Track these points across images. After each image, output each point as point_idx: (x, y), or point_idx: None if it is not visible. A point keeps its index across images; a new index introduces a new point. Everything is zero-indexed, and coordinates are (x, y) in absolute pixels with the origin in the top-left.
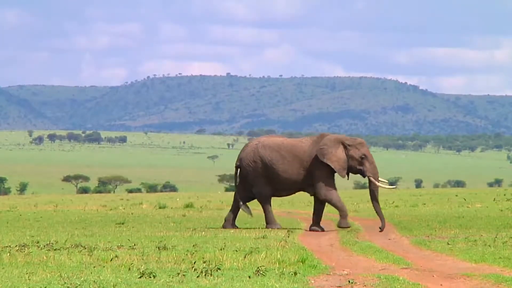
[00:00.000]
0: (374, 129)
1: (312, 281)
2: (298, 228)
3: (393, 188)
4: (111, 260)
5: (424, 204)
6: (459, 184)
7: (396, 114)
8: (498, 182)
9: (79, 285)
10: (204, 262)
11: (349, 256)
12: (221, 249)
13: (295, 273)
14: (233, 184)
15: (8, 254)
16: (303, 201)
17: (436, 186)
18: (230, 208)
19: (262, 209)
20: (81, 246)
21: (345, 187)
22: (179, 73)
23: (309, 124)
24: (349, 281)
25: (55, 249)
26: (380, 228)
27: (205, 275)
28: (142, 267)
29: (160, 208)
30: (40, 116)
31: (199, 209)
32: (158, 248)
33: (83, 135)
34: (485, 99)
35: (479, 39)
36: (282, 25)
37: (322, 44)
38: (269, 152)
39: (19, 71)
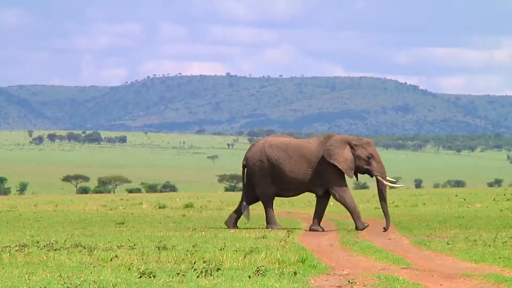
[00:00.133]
0: (374, 129)
1: (312, 281)
2: (298, 228)
3: (400, 186)
4: (111, 260)
5: (424, 204)
6: (459, 184)
7: (396, 114)
8: (498, 182)
9: (79, 285)
10: (204, 262)
11: (349, 256)
12: (221, 249)
13: (295, 273)
14: (233, 184)
15: (8, 254)
16: (303, 201)
17: (436, 186)
18: (235, 207)
19: (262, 210)
20: (81, 246)
21: None
22: (179, 73)
23: (309, 124)
24: (349, 281)
25: (55, 249)
26: (384, 228)
27: (205, 275)
28: (142, 267)
29: (160, 208)
30: (40, 116)
31: (199, 209)
32: (158, 248)
33: (83, 135)
34: (485, 99)
35: (479, 39)
36: (282, 25)
37: (322, 44)
38: (276, 151)
39: (19, 71)
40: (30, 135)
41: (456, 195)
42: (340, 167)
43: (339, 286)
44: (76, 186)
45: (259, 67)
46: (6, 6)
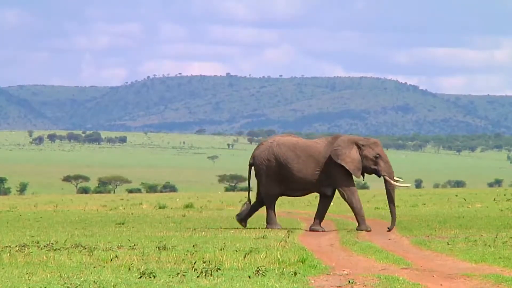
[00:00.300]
0: (374, 129)
1: (312, 281)
2: (298, 228)
3: (408, 186)
4: (111, 260)
5: (424, 204)
6: (459, 184)
7: (396, 114)
8: (498, 182)
9: (79, 285)
10: (204, 262)
11: (349, 256)
12: (221, 249)
13: (295, 273)
14: (233, 184)
15: (8, 254)
16: (303, 201)
17: (436, 186)
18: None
19: (262, 210)
20: (81, 246)
21: None
22: (179, 73)
23: (309, 124)
24: (349, 281)
25: (55, 249)
26: (388, 228)
27: (205, 275)
28: (142, 267)
29: (160, 208)
30: (40, 116)
31: (199, 209)
32: (158, 248)
33: (83, 135)
34: (485, 99)
35: (479, 39)
36: (282, 25)
37: (322, 44)
38: (284, 150)
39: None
40: (30, 135)
41: (456, 195)
42: (347, 168)
43: (339, 286)
44: (76, 186)
45: (259, 67)
46: (6, 6)
